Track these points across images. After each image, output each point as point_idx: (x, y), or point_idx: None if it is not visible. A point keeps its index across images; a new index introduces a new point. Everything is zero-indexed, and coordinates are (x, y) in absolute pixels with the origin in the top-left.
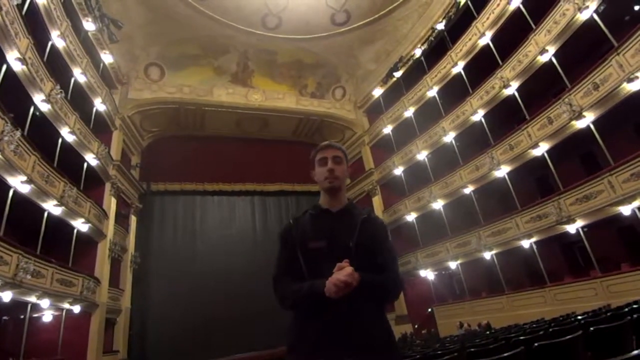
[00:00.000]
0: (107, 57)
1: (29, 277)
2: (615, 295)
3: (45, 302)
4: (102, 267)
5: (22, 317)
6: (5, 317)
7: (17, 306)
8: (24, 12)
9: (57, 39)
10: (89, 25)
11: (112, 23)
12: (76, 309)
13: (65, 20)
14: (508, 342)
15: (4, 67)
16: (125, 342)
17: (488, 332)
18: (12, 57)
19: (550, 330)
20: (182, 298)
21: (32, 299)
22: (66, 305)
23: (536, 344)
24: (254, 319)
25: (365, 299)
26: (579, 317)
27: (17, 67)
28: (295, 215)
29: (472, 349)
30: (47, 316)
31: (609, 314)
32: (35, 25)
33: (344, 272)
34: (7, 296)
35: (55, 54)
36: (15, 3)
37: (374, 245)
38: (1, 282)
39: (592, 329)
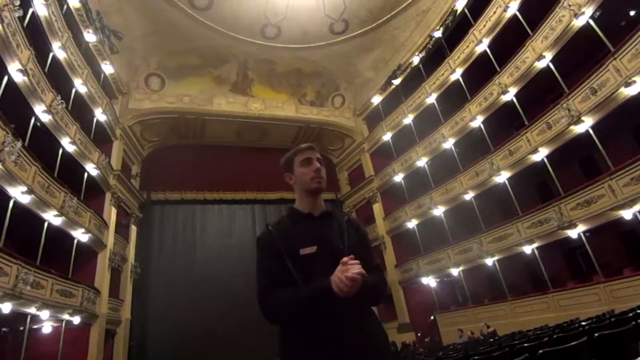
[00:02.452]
0: (107, 68)
1: (28, 288)
2: (619, 300)
3: (44, 314)
4: (102, 277)
5: (21, 328)
6: (4, 329)
7: (17, 318)
8: (25, 24)
9: (58, 50)
10: (89, 36)
11: (112, 34)
12: (76, 320)
13: (66, 31)
14: (512, 349)
15: (6, 78)
16: (126, 353)
17: (492, 340)
18: (14, 68)
19: (555, 336)
20: (182, 308)
21: (32, 310)
22: (66, 317)
23: (540, 351)
24: (254, 328)
25: (361, 300)
26: (583, 323)
27: (19, 78)
28: (272, 222)
29: (476, 357)
30: (47, 328)
31: (613, 319)
32: (36, 36)
33: (355, 267)
34: (6, 307)
35: (57, 65)
36: (17, 15)
37: (361, 247)
38: (1, 293)
39: (596, 334)
